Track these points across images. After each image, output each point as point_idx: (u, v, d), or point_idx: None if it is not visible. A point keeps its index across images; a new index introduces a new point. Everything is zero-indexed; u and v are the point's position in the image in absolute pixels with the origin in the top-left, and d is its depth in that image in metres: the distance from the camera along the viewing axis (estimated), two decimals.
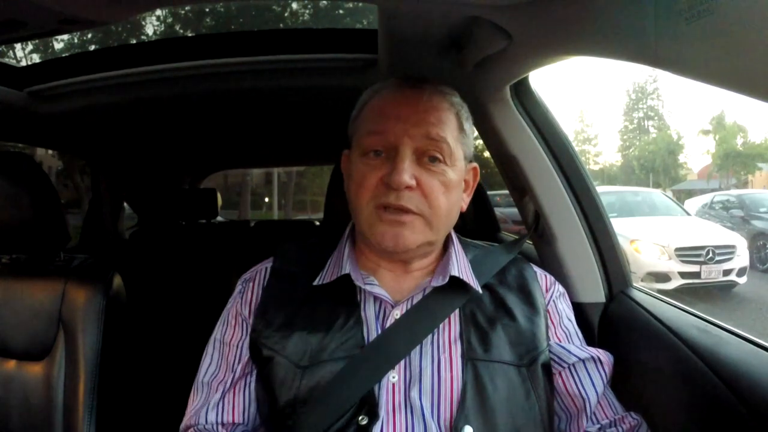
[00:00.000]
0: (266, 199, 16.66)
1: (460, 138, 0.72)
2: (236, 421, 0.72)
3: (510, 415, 0.66)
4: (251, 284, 0.78)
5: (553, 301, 0.79)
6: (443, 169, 0.70)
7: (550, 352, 0.74)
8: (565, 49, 0.70)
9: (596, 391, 0.72)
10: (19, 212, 0.97)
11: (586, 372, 0.73)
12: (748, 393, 0.62)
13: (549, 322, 0.76)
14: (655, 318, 0.84)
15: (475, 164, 0.79)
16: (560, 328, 0.77)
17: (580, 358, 0.74)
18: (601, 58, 0.62)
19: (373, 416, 0.65)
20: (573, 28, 0.63)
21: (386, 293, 0.72)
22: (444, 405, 0.66)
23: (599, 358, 0.75)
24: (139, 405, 1.09)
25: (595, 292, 0.98)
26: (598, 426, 0.71)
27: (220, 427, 0.71)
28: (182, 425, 0.74)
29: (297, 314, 0.72)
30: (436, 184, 0.69)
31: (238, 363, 0.73)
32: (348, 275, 0.72)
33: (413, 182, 0.67)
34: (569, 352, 0.74)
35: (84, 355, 0.96)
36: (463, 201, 0.77)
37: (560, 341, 0.76)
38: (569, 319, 0.79)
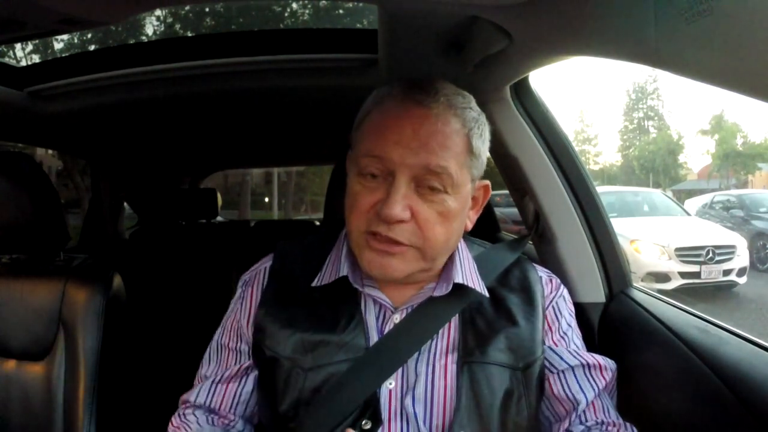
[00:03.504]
0: (266, 199, 16.65)
1: (467, 162, 0.66)
2: (222, 411, 0.73)
3: (502, 420, 0.66)
4: (250, 289, 0.77)
5: (554, 305, 0.77)
6: (443, 199, 0.64)
7: (543, 356, 0.73)
8: (565, 49, 0.70)
9: (585, 396, 0.71)
10: (19, 212, 0.97)
11: (575, 378, 0.72)
12: (748, 393, 0.62)
13: (547, 326, 0.75)
14: (655, 318, 0.84)
15: (486, 182, 0.74)
16: (558, 333, 0.76)
17: (570, 365, 0.72)
18: (601, 58, 0.62)
19: (376, 421, 0.64)
20: (573, 28, 0.63)
21: (386, 297, 0.71)
22: (437, 412, 0.66)
23: (594, 364, 0.73)
24: (139, 405, 1.09)
25: (595, 292, 0.98)
26: (583, 427, 0.69)
27: (204, 413, 0.73)
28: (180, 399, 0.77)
29: (298, 315, 0.71)
30: (433, 214, 0.64)
31: (236, 365, 0.74)
32: (346, 277, 0.70)
33: (406, 214, 0.63)
34: (561, 358, 0.73)
35: (84, 355, 0.96)
36: (469, 219, 0.73)
37: (556, 345, 0.74)
38: (569, 324, 0.77)
